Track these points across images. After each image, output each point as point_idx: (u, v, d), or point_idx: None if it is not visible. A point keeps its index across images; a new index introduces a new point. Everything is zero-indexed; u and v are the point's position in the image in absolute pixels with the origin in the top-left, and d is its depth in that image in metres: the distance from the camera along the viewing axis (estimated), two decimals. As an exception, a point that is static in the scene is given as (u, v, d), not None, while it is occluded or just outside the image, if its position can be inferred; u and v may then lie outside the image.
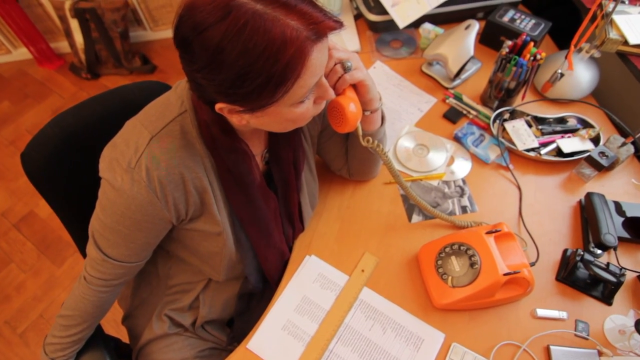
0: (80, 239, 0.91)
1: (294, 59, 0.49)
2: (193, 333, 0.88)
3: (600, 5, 1.02)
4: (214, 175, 0.67)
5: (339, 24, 0.52)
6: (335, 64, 0.65)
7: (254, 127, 0.63)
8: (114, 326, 1.56)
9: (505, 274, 0.74)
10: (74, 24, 2.04)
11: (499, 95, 1.02)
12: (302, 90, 0.53)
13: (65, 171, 0.81)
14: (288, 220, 0.82)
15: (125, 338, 0.97)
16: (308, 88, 0.54)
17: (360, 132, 0.72)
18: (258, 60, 0.48)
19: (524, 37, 0.96)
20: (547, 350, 0.76)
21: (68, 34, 2.10)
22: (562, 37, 1.16)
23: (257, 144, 0.73)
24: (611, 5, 0.98)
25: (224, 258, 0.76)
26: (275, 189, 0.77)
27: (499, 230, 0.79)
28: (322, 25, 0.50)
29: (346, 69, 0.66)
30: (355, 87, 0.69)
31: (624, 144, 0.93)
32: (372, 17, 1.18)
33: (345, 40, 1.21)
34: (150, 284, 0.91)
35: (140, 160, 0.60)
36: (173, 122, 0.63)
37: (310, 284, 0.83)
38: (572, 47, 1.01)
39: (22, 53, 2.31)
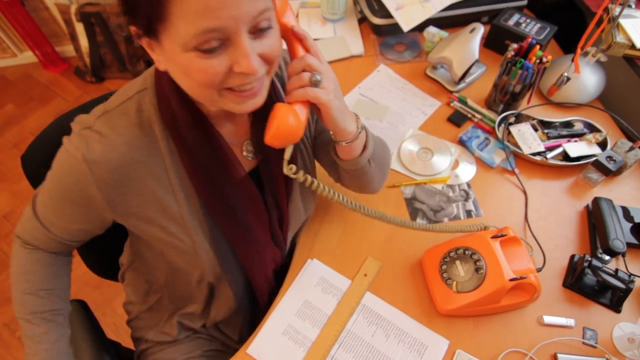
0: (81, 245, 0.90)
1: None
2: (201, 334, 0.87)
3: (607, 9, 1.01)
4: (170, 160, 0.60)
5: None
6: (304, 71, 0.57)
7: (172, 76, 0.54)
8: (113, 330, 1.54)
9: (511, 280, 0.72)
10: (80, 28, 2.05)
11: (504, 98, 1.01)
12: (188, 27, 0.45)
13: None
14: (278, 225, 0.74)
15: (125, 342, 0.95)
16: (198, 27, 0.45)
17: (287, 155, 0.60)
18: None
19: (530, 40, 0.95)
20: (555, 358, 0.74)
21: (73, 38, 2.11)
22: (568, 42, 1.15)
23: (235, 132, 0.65)
24: (617, 9, 0.97)
25: (198, 257, 0.67)
26: (263, 191, 0.69)
27: (505, 235, 0.78)
28: None
29: (312, 82, 0.57)
30: (315, 108, 0.60)
31: (631, 149, 0.92)
32: (376, 21, 1.18)
33: (350, 44, 1.20)
34: (157, 292, 0.86)
35: (83, 132, 0.56)
36: (129, 100, 0.58)
37: (311, 288, 0.82)
38: (579, 50, 1.00)
39: (27, 56, 2.32)
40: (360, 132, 0.65)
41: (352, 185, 0.78)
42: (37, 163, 0.77)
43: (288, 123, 0.56)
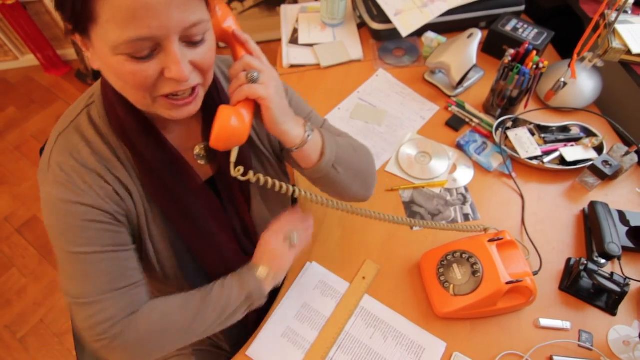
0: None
1: None
2: None
3: (603, 15, 1.02)
4: (130, 166, 0.60)
5: None
6: (247, 70, 0.57)
7: (104, 76, 0.54)
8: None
9: (507, 283, 0.73)
10: (81, 31, 2.07)
11: (502, 103, 1.02)
12: (117, 33, 0.44)
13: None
14: (244, 234, 0.72)
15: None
16: (127, 35, 0.44)
17: (233, 158, 0.58)
18: None
19: (527, 45, 0.97)
20: (551, 361, 0.75)
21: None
22: (565, 47, 1.16)
23: (186, 137, 0.65)
24: (614, 15, 0.98)
25: (162, 265, 0.66)
26: (221, 199, 0.68)
27: (502, 239, 0.79)
28: None
29: (249, 79, 0.56)
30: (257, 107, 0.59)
31: (627, 153, 0.93)
32: (375, 26, 1.19)
33: (349, 49, 1.21)
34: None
35: (51, 162, 0.58)
36: (80, 115, 0.59)
37: (310, 290, 0.82)
38: (575, 55, 1.01)
39: (29, 59, 2.34)
40: (309, 137, 0.62)
41: (333, 194, 0.73)
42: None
43: (230, 125, 0.55)
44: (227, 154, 0.60)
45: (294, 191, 0.63)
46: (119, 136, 0.59)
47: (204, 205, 0.66)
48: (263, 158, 0.74)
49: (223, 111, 0.56)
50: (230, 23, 0.60)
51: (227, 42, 0.62)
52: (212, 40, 0.53)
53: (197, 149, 0.67)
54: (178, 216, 0.64)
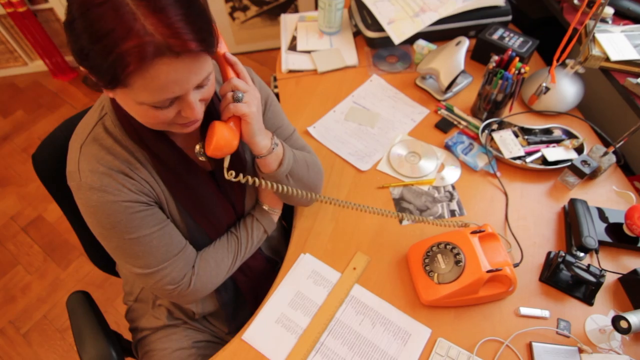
0: (87, 241, 0.95)
1: (126, 57, 0.48)
2: (191, 325, 0.92)
3: (583, 24, 1.08)
4: (151, 167, 0.70)
5: (201, 48, 0.52)
6: (231, 91, 0.67)
7: (125, 108, 0.62)
8: (115, 327, 1.59)
9: (488, 271, 0.78)
10: (89, 39, 2.14)
11: (488, 107, 1.08)
12: (148, 97, 0.53)
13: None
14: (235, 214, 0.85)
15: (125, 335, 1.01)
16: (156, 99, 0.54)
17: (226, 164, 0.70)
18: (95, 44, 0.48)
19: (510, 52, 1.03)
20: (530, 347, 0.79)
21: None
22: (551, 55, 1.22)
23: (188, 138, 0.74)
24: (591, 23, 1.04)
25: None
26: (222, 190, 0.79)
27: (483, 231, 0.84)
28: (178, 42, 0.49)
29: (235, 99, 0.67)
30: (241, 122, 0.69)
31: (605, 154, 0.98)
32: (370, 34, 1.26)
33: (345, 55, 1.28)
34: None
35: (81, 170, 0.65)
36: (96, 126, 0.67)
37: (304, 280, 0.87)
38: (555, 61, 1.07)
39: (38, 65, 2.41)
40: (274, 149, 0.74)
41: (281, 197, 0.87)
42: (45, 161, 0.83)
43: (224, 138, 0.66)
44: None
45: (289, 190, 0.77)
46: (136, 142, 0.68)
47: (209, 191, 0.76)
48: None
49: (217, 127, 0.66)
50: (222, 46, 0.69)
51: (218, 63, 0.71)
52: (213, 77, 0.62)
53: (197, 148, 0.75)
54: (190, 200, 0.75)
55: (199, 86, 0.58)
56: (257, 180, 0.73)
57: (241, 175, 0.71)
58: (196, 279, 0.76)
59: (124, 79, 0.51)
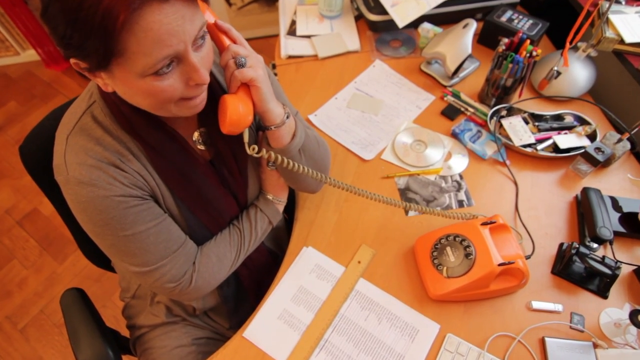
0: (79, 234, 0.91)
1: (114, 8, 0.44)
2: (191, 321, 0.89)
3: (596, 5, 1.03)
4: (145, 159, 0.65)
5: None
6: (232, 58, 0.62)
7: (124, 97, 0.58)
8: (113, 322, 1.57)
9: (499, 264, 0.74)
10: (81, 26, 2.08)
11: (496, 92, 1.04)
12: (145, 59, 0.49)
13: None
14: (237, 205, 0.80)
15: (124, 332, 0.97)
16: (154, 58, 0.49)
17: (246, 138, 0.66)
18: (82, 4, 0.45)
19: (521, 35, 0.98)
20: (542, 342, 0.76)
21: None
22: (561, 39, 1.17)
23: (185, 125, 0.69)
24: (606, 5, 0.99)
25: None
26: (222, 179, 0.74)
27: (494, 222, 0.80)
28: None
29: (238, 65, 0.62)
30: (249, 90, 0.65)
31: (619, 140, 0.94)
32: (372, 17, 1.21)
33: (346, 40, 1.23)
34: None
35: (68, 164, 0.60)
36: (84, 116, 0.62)
37: (306, 274, 0.84)
38: (568, 44, 1.02)
39: (30, 55, 2.35)
40: (287, 118, 0.69)
41: (289, 180, 0.82)
42: (34, 153, 0.79)
43: (238, 111, 0.62)
44: (224, 140, 0.69)
45: (304, 169, 0.71)
46: (128, 131, 0.63)
47: (209, 182, 0.72)
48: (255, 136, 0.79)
49: (229, 101, 0.61)
50: (210, 15, 0.64)
51: (211, 33, 0.65)
52: (209, 37, 0.57)
53: (196, 135, 0.71)
54: (188, 193, 0.70)
55: (196, 45, 0.54)
56: (279, 156, 0.68)
57: (264, 151, 0.67)
58: (197, 275, 0.72)
59: (116, 39, 0.46)
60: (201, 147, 0.72)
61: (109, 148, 0.62)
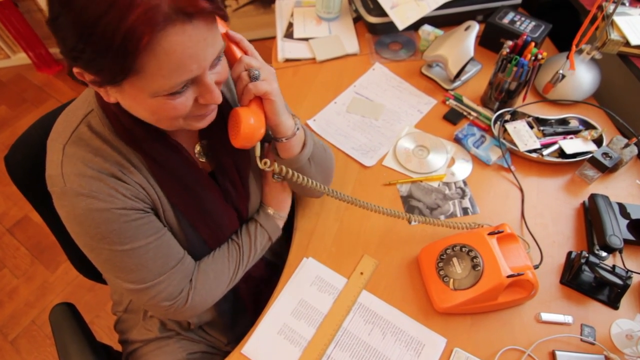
0: (69, 246, 0.87)
1: (138, 28, 0.42)
2: (185, 336, 0.86)
3: (601, 7, 1.01)
4: (146, 170, 0.62)
5: (212, 7, 0.46)
6: (245, 70, 0.61)
7: (129, 110, 0.55)
8: (107, 332, 1.52)
9: (508, 276, 0.71)
10: (73, 29, 2.04)
11: (500, 96, 1.01)
12: (163, 81, 0.47)
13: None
14: (238, 218, 0.77)
15: (117, 346, 0.94)
16: (172, 82, 0.48)
17: (257, 152, 0.66)
18: (99, 21, 0.42)
19: (525, 37, 0.95)
20: (553, 356, 0.73)
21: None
22: (562, 40, 1.15)
23: (187, 137, 0.67)
24: (611, 7, 0.97)
25: None
26: (223, 191, 0.71)
27: (502, 232, 0.77)
28: (190, 3, 0.44)
29: (252, 78, 0.61)
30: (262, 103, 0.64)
31: (627, 145, 0.92)
32: (371, 19, 1.18)
33: (345, 43, 1.20)
34: None
35: (65, 174, 0.56)
36: (80, 125, 0.58)
37: (307, 287, 0.81)
38: (574, 46, 1.00)
39: (20, 58, 2.30)
40: (298, 129, 0.69)
41: (295, 188, 0.81)
42: (20, 163, 0.75)
43: (252, 125, 0.61)
44: (227, 152, 0.68)
45: (313, 183, 0.70)
46: (128, 143, 0.60)
47: (211, 195, 0.69)
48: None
49: (242, 114, 0.60)
50: (221, 26, 0.61)
51: None
52: (224, 55, 0.56)
53: (197, 148, 0.69)
54: (189, 206, 0.67)
55: (212, 65, 0.52)
56: (290, 171, 0.67)
57: (275, 165, 0.66)
58: (194, 293, 0.68)
59: (136, 60, 0.44)
60: (202, 159, 0.70)
61: (108, 159, 0.58)
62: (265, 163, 0.65)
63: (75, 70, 0.49)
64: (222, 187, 0.70)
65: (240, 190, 0.73)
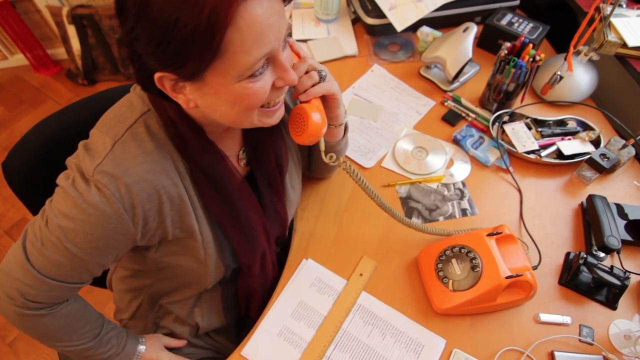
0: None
1: (223, 3, 0.42)
2: (192, 342, 0.85)
3: (598, 9, 1.02)
4: (189, 180, 0.61)
5: None
6: (311, 70, 0.64)
7: (207, 112, 0.55)
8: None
9: (507, 277, 0.72)
10: (71, 30, 2.04)
11: (498, 97, 1.01)
12: (245, 58, 0.47)
13: (49, 180, 0.76)
14: (278, 226, 0.77)
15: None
16: (254, 56, 0.47)
17: (322, 146, 0.69)
18: (183, 6, 0.42)
19: (523, 38, 0.96)
20: (552, 356, 0.74)
21: (65, 40, 2.09)
22: (560, 42, 1.16)
23: (231, 145, 0.68)
24: (609, 9, 0.97)
25: (208, 269, 0.69)
26: (260, 194, 0.71)
27: (500, 233, 0.78)
28: None
29: (322, 78, 0.64)
30: (323, 100, 0.67)
31: (624, 146, 0.92)
32: (370, 21, 1.18)
33: (343, 44, 1.20)
34: (137, 297, 0.84)
35: (102, 168, 0.53)
36: (137, 123, 0.56)
37: (307, 288, 0.81)
38: (572, 48, 1.00)
39: (18, 59, 2.30)
40: (346, 114, 0.76)
41: (320, 170, 0.90)
42: (18, 170, 0.74)
43: (318, 121, 0.63)
44: (268, 154, 0.69)
45: (374, 193, 0.75)
46: (179, 151, 0.59)
47: (247, 204, 0.68)
48: (289, 142, 0.78)
49: (306, 109, 0.63)
50: None
51: None
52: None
53: (241, 153, 0.70)
54: (224, 217, 0.66)
55: (283, 46, 0.53)
56: (351, 166, 0.72)
57: (340, 159, 0.70)
58: (50, 316, 0.64)
59: (223, 37, 0.44)
60: (242, 164, 0.70)
61: (155, 163, 0.56)
62: (330, 157, 0.68)
63: (156, 76, 0.48)
64: (260, 189, 0.70)
65: (278, 185, 0.73)
